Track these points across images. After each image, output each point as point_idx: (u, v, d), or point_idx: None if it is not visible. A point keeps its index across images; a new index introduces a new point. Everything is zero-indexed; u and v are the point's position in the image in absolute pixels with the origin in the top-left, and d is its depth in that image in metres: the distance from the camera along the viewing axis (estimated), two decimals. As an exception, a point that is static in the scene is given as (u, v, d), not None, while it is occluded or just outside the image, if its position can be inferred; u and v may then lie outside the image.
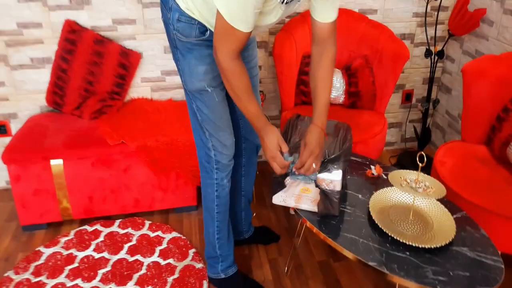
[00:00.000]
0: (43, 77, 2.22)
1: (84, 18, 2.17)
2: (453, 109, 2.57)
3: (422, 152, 1.46)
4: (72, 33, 2.15)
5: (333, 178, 1.54)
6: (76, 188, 2.04)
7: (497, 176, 1.75)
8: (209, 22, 1.37)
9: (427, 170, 2.45)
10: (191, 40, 1.40)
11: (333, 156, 1.59)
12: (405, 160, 2.60)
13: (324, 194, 1.50)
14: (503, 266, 1.26)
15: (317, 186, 1.52)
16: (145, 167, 2.05)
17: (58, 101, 2.22)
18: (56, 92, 2.21)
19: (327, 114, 1.42)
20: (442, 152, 1.90)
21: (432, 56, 2.40)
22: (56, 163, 1.97)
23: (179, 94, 2.42)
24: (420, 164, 1.42)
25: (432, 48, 2.41)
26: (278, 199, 1.56)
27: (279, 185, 1.54)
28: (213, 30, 1.38)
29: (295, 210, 1.56)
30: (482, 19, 2.24)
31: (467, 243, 1.37)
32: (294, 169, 1.43)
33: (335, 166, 1.58)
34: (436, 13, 2.42)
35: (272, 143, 1.37)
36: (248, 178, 1.84)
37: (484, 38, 2.28)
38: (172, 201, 2.17)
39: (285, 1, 1.23)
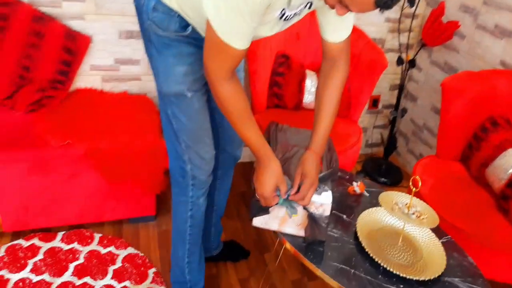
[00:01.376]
0: (-38, 57, 1.79)
1: (20, -13, 1.78)
2: (418, 117, 2.58)
3: (417, 177, 1.39)
4: (4, 6, 1.74)
5: (323, 201, 1.42)
6: (7, 196, 1.68)
7: (477, 198, 1.74)
8: (191, 18, 1.14)
9: (397, 179, 2.45)
10: (169, 35, 1.17)
11: (321, 175, 1.47)
12: (370, 167, 2.58)
13: (312, 218, 1.38)
14: (493, 298, 1.24)
15: (304, 208, 1.39)
16: (94, 173, 1.75)
17: (-17, 88, 1.81)
18: (-19, 76, 1.80)
19: (326, 141, 1.28)
20: (420, 169, 1.86)
21: (404, 65, 2.36)
22: (-19, 166, 1.60)
23: (135, 86, 2.11)
24: (414, 189, 1.35)
25: (403, 56, 2.37)
26: (260, 221, 1.40)
27: (261, 209, 1.38)
28: (196, 26, 1.16)
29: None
30: (454, 32, 2.24)
31: (457, 272, 1.33)
32: (290, 198, 1.28)
33: (324, 187, 1.46)
34: (407, 20, 2.38)
35: (270, 183, 1.19)
36: (222, 192, 1.64)
37: (454, 50, 2.28)
38: (127, 210, 1.90)
39: (284, 17, 1.04)
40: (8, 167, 1.64)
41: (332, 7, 0.95)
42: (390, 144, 2.49)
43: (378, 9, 0.89)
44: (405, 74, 2.38)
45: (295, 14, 1.06)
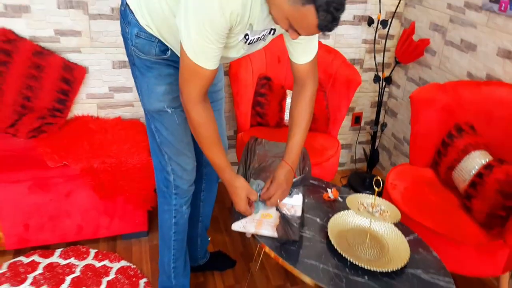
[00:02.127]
0: (-29, 90, 1.98)
1: (22, 27, 1.98)
2: (398, 132, 2.70)
3: (379, 178, 1.50)
4: (7, 43, 1.94)
5: (294, 203, 1.54)
6: (10, 215, 1.82)
7: (444, 199, 1.84)
8: (169, 42, 1.30)
9: (380, 191, 2.56)
10: (151, 58, 1.33)
11: (294, 180, 1.59)
12: (355, 181, 2.67)
13: (285, 219, 1.49)
14: (454, 287, 1.32)
15: (277, 209, 1.50)
16: (89, 191, 1.89)
17: (-11, 117, 1.99)
18: (-13, 107, 1.98)
19: (299, 153, 1.41)
20: (393, 175, 1.97)
21: (380, 82, 2.51)
22: (-14, 188, 1.75)
23: (128, 112, 2.28)
24: (377, 189, 1.46)
25: (380, 74, 2.52)
26: (238, 225, 1.51)
27: (240, 214, 1.49)
28: (174, 49, 1.32)
29: (254, 235, 1.52)
30: (426, 49, 2.39)
31: (421, 265, 1.41)
32: (260, 198, 1.40)
33: (296, 191, 1.57)
34: (382, 40, 2.54)
35: (242, 198, 1.34)
36: (207, 204, 1.76)
37: (427, 66, 2.43)
38: (120, 227, 2.02)
39: (248, 41, 1.19)
40: (11, 187, 1.78)
41: (287, 30, 1.10)
42: (373, 158, 2.60)
43: (321, 32, 1.05)
44: (382, 91, 2.52)
45: (258, 39, 1.21)
